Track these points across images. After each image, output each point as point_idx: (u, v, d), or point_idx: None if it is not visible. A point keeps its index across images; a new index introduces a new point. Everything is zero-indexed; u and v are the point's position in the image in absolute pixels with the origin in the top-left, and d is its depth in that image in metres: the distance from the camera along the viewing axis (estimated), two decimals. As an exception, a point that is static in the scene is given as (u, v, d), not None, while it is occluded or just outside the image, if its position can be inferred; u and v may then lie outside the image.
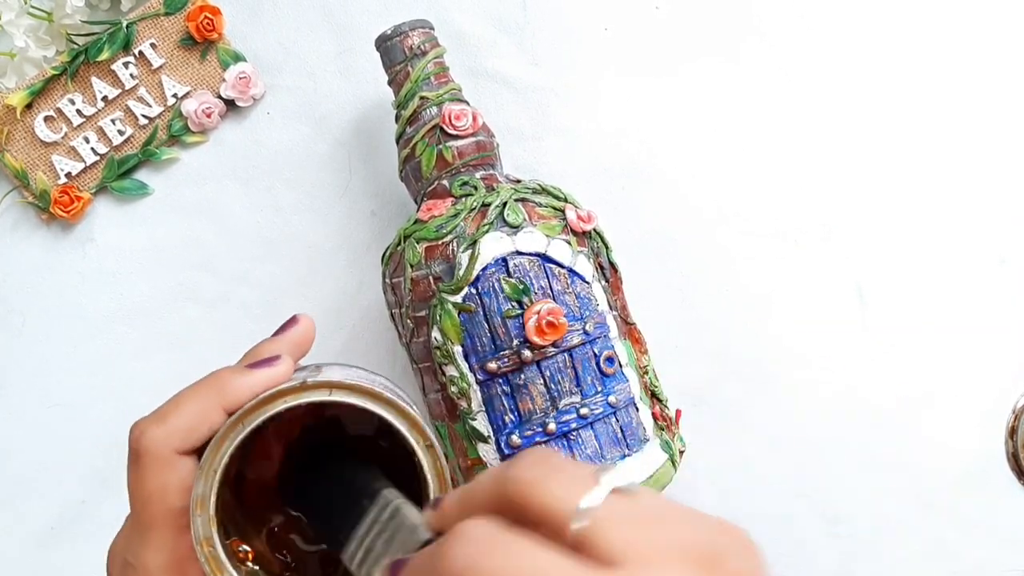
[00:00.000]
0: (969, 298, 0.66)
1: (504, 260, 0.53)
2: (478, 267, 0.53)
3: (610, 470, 0.29)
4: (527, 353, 0.53)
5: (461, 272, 0.53)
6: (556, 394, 0.53)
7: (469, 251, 0.53)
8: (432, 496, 0.37)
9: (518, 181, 0.57)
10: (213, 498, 0.37)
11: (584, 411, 0.53)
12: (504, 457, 0.53)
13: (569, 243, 0.55)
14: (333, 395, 0.38)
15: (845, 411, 0.65)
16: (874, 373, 0.66)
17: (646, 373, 0.59)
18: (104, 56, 0.63)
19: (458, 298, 0.53)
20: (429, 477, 0.38)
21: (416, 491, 0.37)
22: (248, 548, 0.40)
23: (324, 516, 0.39)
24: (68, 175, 0.64)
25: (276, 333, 0.43)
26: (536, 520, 0.28)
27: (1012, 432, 0.65)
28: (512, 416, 0.53)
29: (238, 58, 0.65)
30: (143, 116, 0.65)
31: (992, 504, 0.65)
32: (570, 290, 0.54)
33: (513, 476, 0.29)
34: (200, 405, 0.38)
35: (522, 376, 0.53)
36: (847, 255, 0.66)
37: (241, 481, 0.41)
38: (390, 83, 0.59)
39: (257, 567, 0.40)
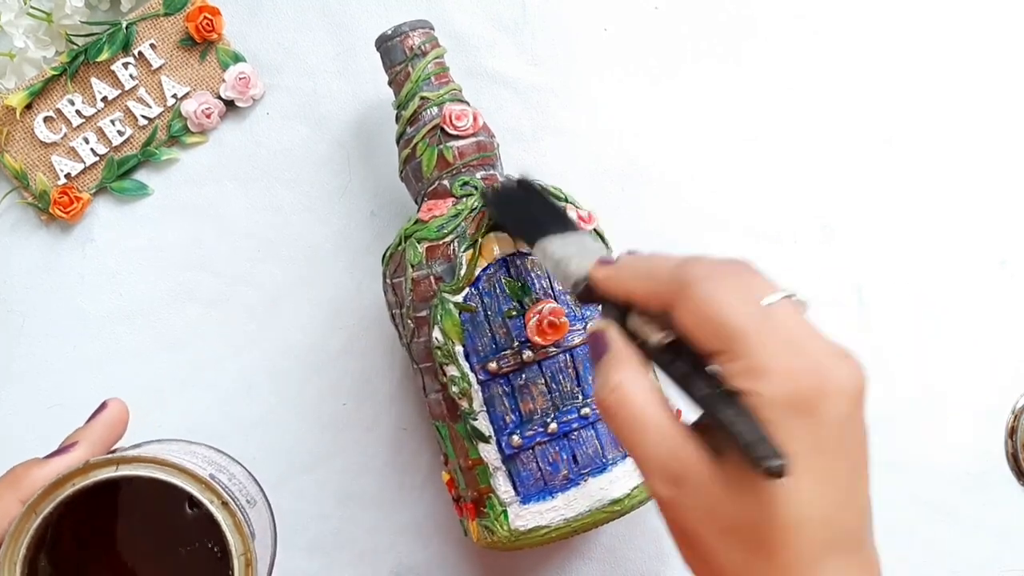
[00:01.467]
0: (969, 299, 0.66)
1: (505, 260, 0.53)
2: (479, 267, 0.53)
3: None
4: (528, 353, 0.53)
5: (462, 272, 0.53)
6: (557, 394, 0.53)
7: (470, 251, 0.53)
8: (235, 549, 0.39)
9: (518, 181, 0.58)
10: None
11: (585, 411, 0.53)
12: (506, 458, 0.54)
13: (570, 243, 0.55)
14: (120, 470, 0.39)
15: (845, 411, 0.65)
16: (874, 373, 0.66)
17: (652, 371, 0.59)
18: (104, 57, 0.63)
19: (459, 298, 0.53)
20: (227, 531, 0.39)
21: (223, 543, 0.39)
22: None
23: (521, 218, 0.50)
24: (68, 176, 0.64)
25: (87, 420, 0.43)
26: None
27: (1012, 432, 0.65)
28: (513, 416, 0.53)
29: (237, 58, 0.65)
30: (143, 117, 0.65)
31: (992, 504, 0.65)
32: (571, 290, 0.55)
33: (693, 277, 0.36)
34: None
35: (523, 376, 0.53)
36: (847, 256, 0.66)
37: (59, 561, 0.42)
38: (390, 83, 0.59)
39: None
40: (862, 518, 0.37)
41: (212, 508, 0.40)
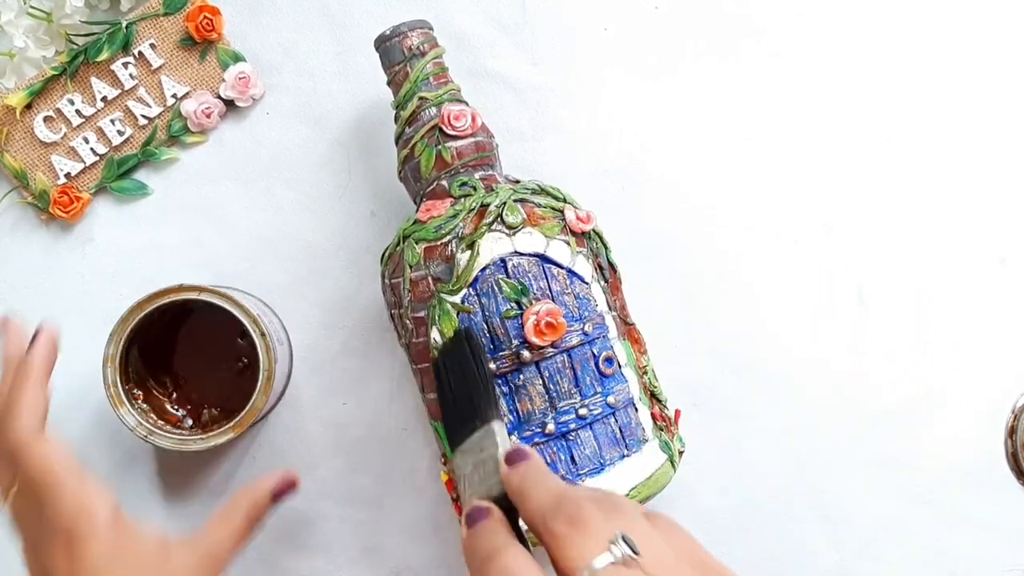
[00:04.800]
0: (969, 298, 0.66)
1: (503, 261, 0.53)
2: (477, 268, 0.53)
3: (619, 541, 0.36)
4: (526, 354, 0.53)
5: (460, 273, 0.53)
6: (555, 395, 0.53)
7: (468, 252, 0.53)
8: (262, 366, 0.57)
9: (517, 181, 0.57)
10: (118, 357, 0.57)
11: (583, 411, 0.53)
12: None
13: (568, 243, 0.55)
14: (202, 296, 0.57)
15: (845, 411, 0.65)
16: (874, 373, 0.66)
17: (645, 373, 0.59)
18: (103, 56, 0.64)
19: (457, 299, 0.53)
20: (260, 353, 0.57)
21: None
22: (140, 392, 0.60)
23: (450, 405, 0.48)
24: (68, 175, 0.64)
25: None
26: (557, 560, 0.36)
27: (1012, 432, 0.65)
28: (511, 417, 0.53)
29: (237, 58, 0.65)
30: (142, 116, 0.65)
31: (992, 504, 0.65)
32: (569, 291, 0.54)
33: (555, 517, 0.37)
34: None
35: (521, 377, 0.53)
36: (847, 255, 0.66)
37: (145, 351, 0.61)
38: (389, 83, 0.59)
39: (146, 405, 0.60)
40: None
41: (255, 336, 0.57)
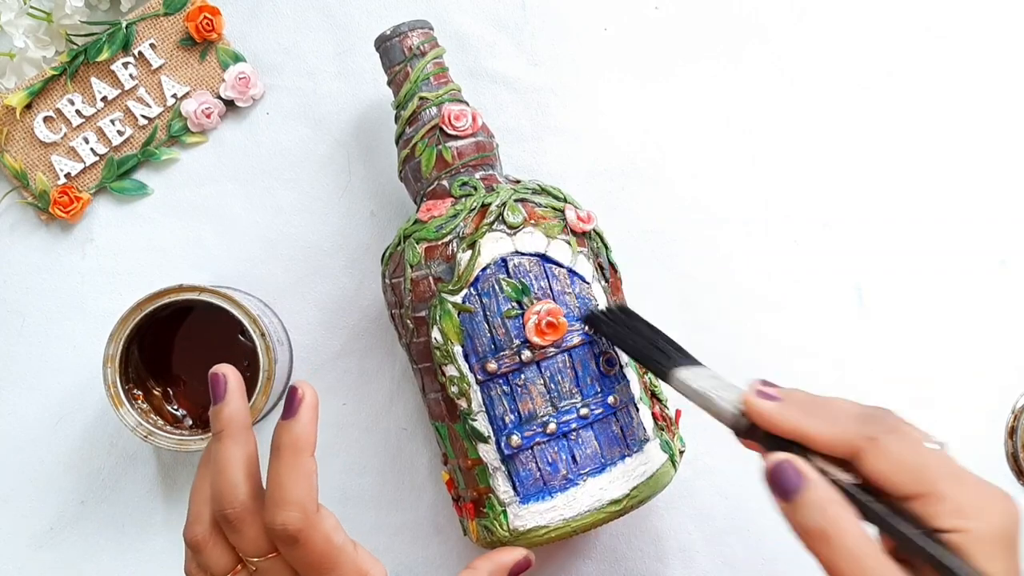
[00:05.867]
0: (969, 298, 0.66)
1: (504, 260, 0.53)
2: (478, 267, 0.53)
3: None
4: (527, 353, 0.53)
5: (461, 272, 0.53)
6: (556, 394, 0.53)
7: (469, 251, 0.53)
8: (262, 366, 0.57)
9: (518, 181, 0.57)
10: (118, 357, 0.57)
11: (584, 411, 0.53)
12: (505, 458, 0.53)
13: (569, 243, 0.55)
14: (202, 296, 0.57)
15: (845, 411, 0.65)
16: (874, 373, 0.66)
17: (646, 373, 0.59)
18: (104, 56, 0.64)
19: (458, 298, 0.53)
20: (260, 353, 0.57)
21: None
22: (140, 392, 0.60)
23: (649, 343, 0.52)
24: (68, 175, 0.64)
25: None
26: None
27: (1012, 432, 0.65)
28: (512, 416, 0.53)
29: (237, 58, 0.65)
30: (142, 116, 0.65)
31: (992, 504, 0.65)
32: (570, 290, 0.54)
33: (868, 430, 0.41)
34: None
35: (522, 376, 0.53)
36: (847, 255, 0.66)
37: (145, 351, 0.61)
38: (389, 83, 0.59)
39: (146, 405, 0.60)
40: None
41: (254, 336, 0.57)
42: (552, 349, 0.53)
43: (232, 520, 0.46)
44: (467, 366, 0.53)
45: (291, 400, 0.47)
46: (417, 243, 0.55)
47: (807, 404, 0.44)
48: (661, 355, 0.51)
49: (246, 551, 0.47)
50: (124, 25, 0.64)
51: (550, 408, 0.53)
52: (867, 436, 0.41)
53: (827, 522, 0.40)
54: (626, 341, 0.53)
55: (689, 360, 0.50)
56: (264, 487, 0.47)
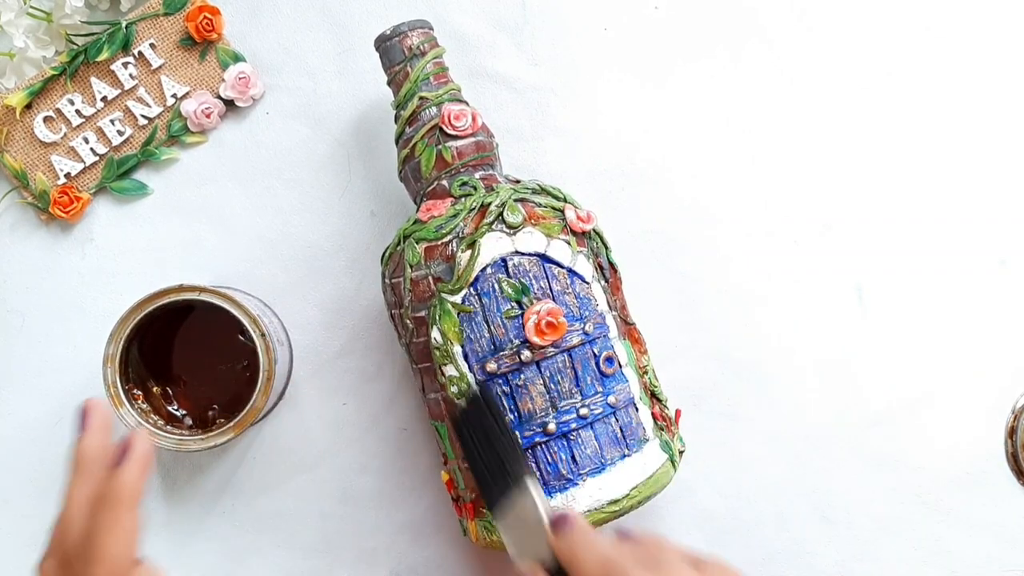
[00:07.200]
0: (969, 298, 0.66)
1: (504, 260, 0.53)
2: (478, 267, 0.53)
3: None
4: (527, 353, 0.53)
5: (461, 272, 0.53)
6: (556, 394, 0.53)
7: (469, 251, 0.53)
8: (262, 367, 0.57)
9: (517, 181, 0.57)
10: (118, 357, 0.57)
11: (584, 411, 0.53)
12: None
13: (569, 243, 0.55)
14: (202, 296, 0.58)
15: (845, 411, 0.65)
16: (874, 373, 0.66)
17: (646, 373, 0.59)
18: (103, 56, 0.64)
19: (457, 298, 0.53)
20: (260, 354, 0.57)
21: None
22: (140, 392, 0.60)
23: (481, 469, 0.48)
24: (67, 175, 0.64)
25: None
26: None
27: (1012, 432, 0.65)
28: (512, 416, 0.53)
29: (237, 58, 0.65)
30: (142, 116, 0.65)
31: (992, 504, 0.65)
32: (570, 290, 0.54)
33: None
34: None
35: (522, 376, 0.53)
36: (846, 255, 0.66)
37: (145, 351, 0.61)
38: (389, 83, 0.59)
39: (146, 405, 0.60)
40: None
41: (254, 336, 0.57)
42: (552, 349, 0.53)
43: (60, 559, 0.45)
44: (467, 366, 0.53)
45: (123, 447, 0.45)
46: (417, 243, 0.55)
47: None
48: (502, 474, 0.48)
49: None
50: (124, 25, 0.64)
51: (550, 408, 0.53)
52: None
53: None
54: (479, 450, 0.49)
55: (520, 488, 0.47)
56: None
